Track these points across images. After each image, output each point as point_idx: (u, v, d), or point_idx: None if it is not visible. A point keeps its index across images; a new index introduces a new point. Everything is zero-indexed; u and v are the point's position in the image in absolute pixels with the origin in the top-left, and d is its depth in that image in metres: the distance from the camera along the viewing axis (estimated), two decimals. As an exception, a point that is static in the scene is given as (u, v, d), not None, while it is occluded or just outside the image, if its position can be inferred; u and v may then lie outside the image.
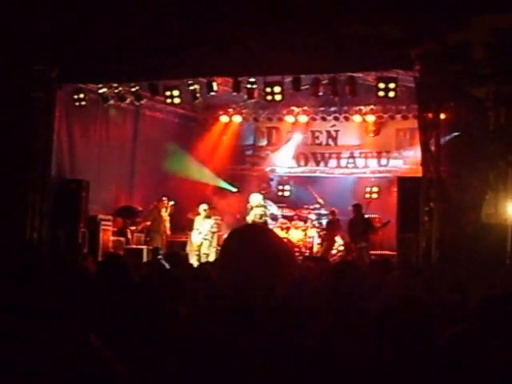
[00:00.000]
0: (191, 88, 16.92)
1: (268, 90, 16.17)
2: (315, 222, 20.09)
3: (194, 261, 16.51)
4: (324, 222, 19.84)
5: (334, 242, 18.98)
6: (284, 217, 20.73)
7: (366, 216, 18.16)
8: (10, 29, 15.56)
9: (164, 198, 18.98)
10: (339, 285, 4.62)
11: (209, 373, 2.79)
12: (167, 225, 18.95)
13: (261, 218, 18.78)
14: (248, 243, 2.95)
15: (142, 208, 19.55)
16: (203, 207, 18.84)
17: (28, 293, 3.29)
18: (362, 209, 17.97)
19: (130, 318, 4.91)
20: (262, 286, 2.85)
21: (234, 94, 17.11)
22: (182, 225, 19.57)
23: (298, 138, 21.71)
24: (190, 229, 18.92)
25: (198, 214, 18.84)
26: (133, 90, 17.52)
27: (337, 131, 21.41)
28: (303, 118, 20.95)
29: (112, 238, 18.23)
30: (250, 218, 18.67)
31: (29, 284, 3.33)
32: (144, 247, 18.16)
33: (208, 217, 18.84)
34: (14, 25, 15.62)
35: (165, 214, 18.91)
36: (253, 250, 2.90)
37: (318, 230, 19.77)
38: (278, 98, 16.29)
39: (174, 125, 21.48)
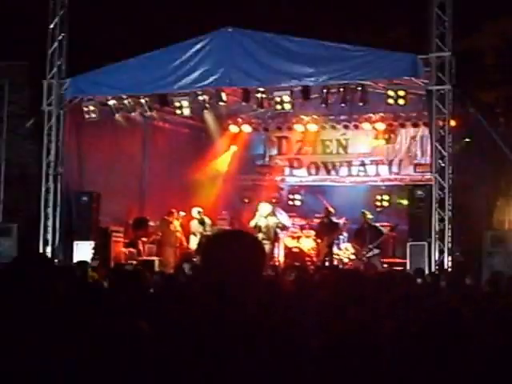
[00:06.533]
0: (200, 98, 16.89)
1: (277, 99, 16.14)
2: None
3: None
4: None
5: (331, 247, 18.52)
6: (295, 226, 20.65)
7: (374, 223, 18.04)
8: (20, 43, 15.63)
9: (173, 211, 18.89)
10: (341, 295, 4.60)
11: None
12: (179, 236, 18.86)
13: (277, 227, 18.65)
14: (227, 245, 3.11)
15: (153, 219, 19.48)
16: (197, 210, 18.83)
17: (40, 303, 3.29)
18: (367, 215, 17.85)
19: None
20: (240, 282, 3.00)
21: (244, 103, 17.09)
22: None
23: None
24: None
25: (193, 218, 18.88)
26: (142, 101, 17.52)
27: (347, 140, 21.30)
28: (313, 127, 20.89)
29: (123, 249, 18.17)
30: (263, 226, 18.37)
31: (41, 295, 3.32)
32: (156, 258, 18.10)
33: (202, 220, 18.83)
34: (25, 39, 15.69)
35: (175, 226, 18.81)
36: (231, 251, 3.05)
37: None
38: (287, 107, 16.26)
39: (184, 135, 21.45)
